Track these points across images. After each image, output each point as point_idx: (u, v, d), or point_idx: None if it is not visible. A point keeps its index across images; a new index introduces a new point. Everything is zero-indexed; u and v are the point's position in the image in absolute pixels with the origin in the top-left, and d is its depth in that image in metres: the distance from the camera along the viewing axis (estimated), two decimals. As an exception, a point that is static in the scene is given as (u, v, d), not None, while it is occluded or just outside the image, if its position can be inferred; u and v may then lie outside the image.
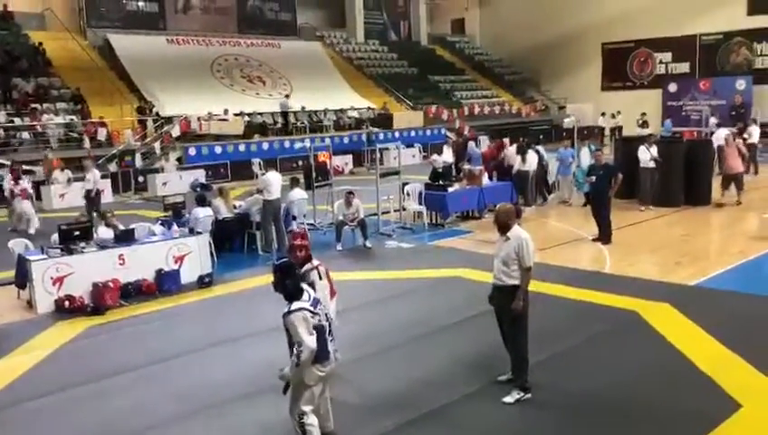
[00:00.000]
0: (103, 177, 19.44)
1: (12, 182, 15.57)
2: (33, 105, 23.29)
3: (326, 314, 5.21)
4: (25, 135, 22.12)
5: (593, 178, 12.20)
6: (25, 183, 15.68)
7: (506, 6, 39.85)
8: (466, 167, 15.75)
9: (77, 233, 9.95)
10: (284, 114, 27.51)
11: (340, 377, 6.19)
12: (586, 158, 15.64)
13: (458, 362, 7.11)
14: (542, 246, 11.94)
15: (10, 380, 7.15)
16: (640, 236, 12.95)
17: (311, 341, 4.82)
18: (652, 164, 14.77)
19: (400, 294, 9.67)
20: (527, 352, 6.27)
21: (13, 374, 7.28)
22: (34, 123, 22.51)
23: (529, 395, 6.16)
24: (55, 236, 10.07)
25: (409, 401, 6.23)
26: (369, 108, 30.50)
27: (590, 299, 8.99)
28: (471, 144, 18.63)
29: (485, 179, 15.17)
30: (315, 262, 6.19)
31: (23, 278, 9.75)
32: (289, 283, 4.99)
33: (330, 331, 5.15)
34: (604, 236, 12.15)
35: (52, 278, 9.44)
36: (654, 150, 14.92)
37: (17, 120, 22.41)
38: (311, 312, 4.92)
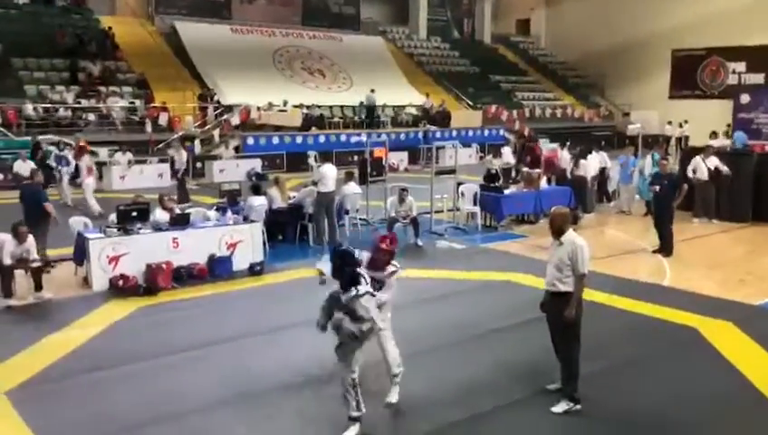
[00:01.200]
0: (161, 161, 19.95)
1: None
2: (99, 87, 23.94)
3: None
4: (91, 116, 22.73)
5: (657, 187, 11.79)
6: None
7: (573, 8, 39.03)
8: (524, 169, 15.44)
9: (134, 214, 10.12)
10: (370, 108, 27.61)
11: (384, 375, 6.10)
12: (649, 166, 15.16)
13: (505, 367, 6.92)
14: (599, 254, 11.60)
15: (63, 353, 7.30)
16: (703, 250, 12.45)
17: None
18: (705, 177, 14.28)
19: (449, 295, 9.51)
20: (578, 362, 6.04)
21: (66, 348, 7.44)
22: (100, 105, 23.13)
23: (578, 407, 5.95)
24: (113, 216, 10.26)
25: (453, 404, 6.09)
26: (427, 95, 30.26)
27: (648, 312, 8.66)
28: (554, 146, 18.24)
29: (543, 183, 14.84)
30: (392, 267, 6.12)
31: (81, 255, 9.98)
32: (348, 269, 5.30)
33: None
34: (665, 247, 11.72)
35: (108, 257, 9.62)
36: (712, 162, 14.41)
37: (83, 102, 23.06)
38: (371, 295, 5.31)
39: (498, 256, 11.83)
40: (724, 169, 14.46)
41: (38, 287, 9.13)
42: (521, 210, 14.65)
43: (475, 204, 14.17)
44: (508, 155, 17.53)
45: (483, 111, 30.81)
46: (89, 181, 15.71)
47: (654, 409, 6.10)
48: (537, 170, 15.08)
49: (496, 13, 41.79)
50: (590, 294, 9.25)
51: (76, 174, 16.70)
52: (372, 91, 27.85)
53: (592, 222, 14.64)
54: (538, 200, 14.37)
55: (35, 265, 9.14)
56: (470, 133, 28.67)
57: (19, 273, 9.22)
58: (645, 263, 11.47)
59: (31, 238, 9.18)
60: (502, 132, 29.22)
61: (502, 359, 7.16)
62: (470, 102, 32.51)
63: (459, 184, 14.45)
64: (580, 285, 5.93)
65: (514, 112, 31.42)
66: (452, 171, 14.48)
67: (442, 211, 14.56)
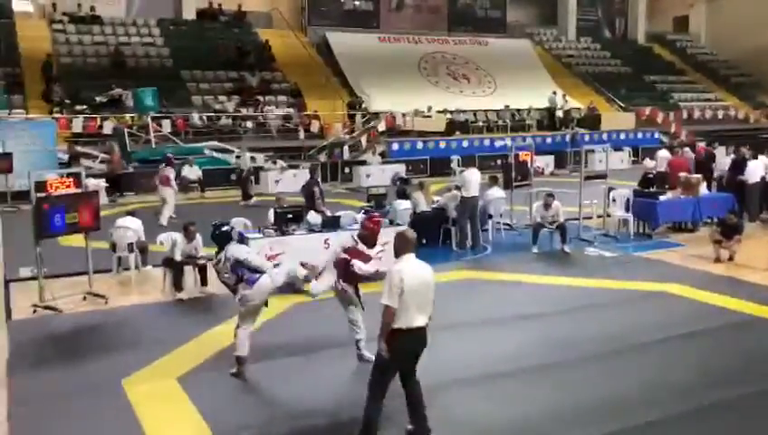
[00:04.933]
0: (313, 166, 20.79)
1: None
2: (257, 97, 25.49)
3: None
4: (249, 124, 24.25)
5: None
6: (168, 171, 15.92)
7: (737, 1, 36.28)
8: (682, 174, 14.58)
9: (290, 216, 10.69)
10: (551, 110, 27.77)
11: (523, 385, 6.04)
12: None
13: (652, 385, 6.58)
14: (765, 266, 10.79)
15: (227, 343, 7.74)
16: None
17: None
18: None
19: (598, 305, 9.18)
20: None
21: (230, 339, 7.83)
22: (257, 114, 24.62)
23: None
24: (271, 218, 10.88)
25: (591, 420, 5.92)
26: (554, 92, 29.47)
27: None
28: (687, 150, 17.25)
29: (703, 189, 13.96)
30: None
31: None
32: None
33: None
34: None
35: (266, 256, 10.19)
36: None
37: (243, 111, 24.66)
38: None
39: (652, 266, 11.27)
40: None
41: (204, 282, 9.89)
42: (678, 217, 13.88)
43: (627, 210, 13.59)
44: (665, 159, 16.50)
45: (635, 113, 29.44)
46: None
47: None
48: (696, 175, 14.19)
49: (651, 10, 39.73)
50: (754, 309, 8.65)
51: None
52: (554, 93, 28.06)
53: (757, 232, 13.56)
54: (697, 207, 13.54)
55: (201, 262, 9.91)
56: (622, 136, 27.45)
57: (187, 269, 10.01)
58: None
59: (198, 237, 9.97)
60: (657, 135, 27.75)
61: (650, 376, 6.81)
62: (621, 104, 31.19)
63: (610, 189, 13.92)
64: None
65: (671, 114, 29.74)
66: (602, 176, 13.98)
67: (591, 217, 14.09)
